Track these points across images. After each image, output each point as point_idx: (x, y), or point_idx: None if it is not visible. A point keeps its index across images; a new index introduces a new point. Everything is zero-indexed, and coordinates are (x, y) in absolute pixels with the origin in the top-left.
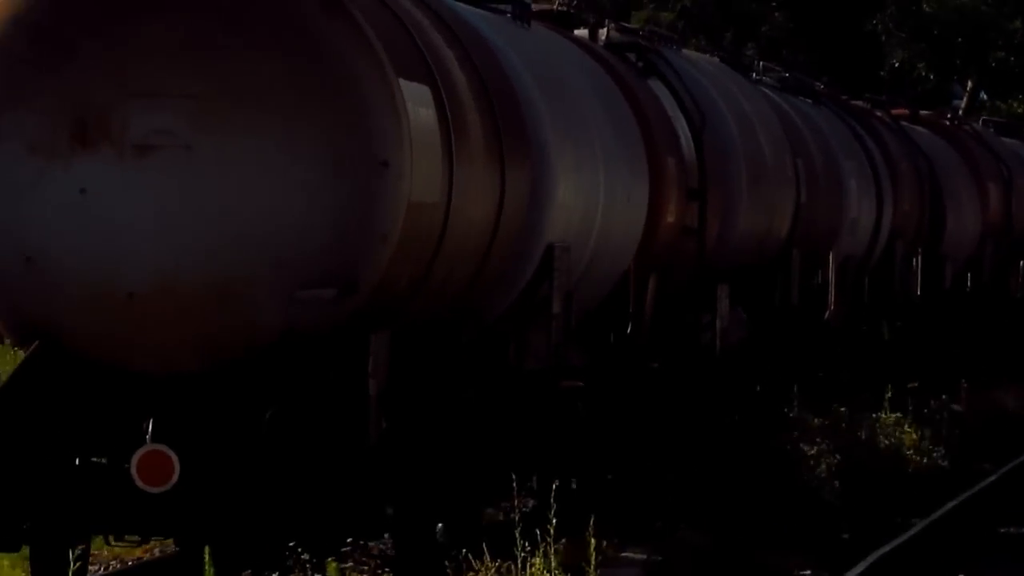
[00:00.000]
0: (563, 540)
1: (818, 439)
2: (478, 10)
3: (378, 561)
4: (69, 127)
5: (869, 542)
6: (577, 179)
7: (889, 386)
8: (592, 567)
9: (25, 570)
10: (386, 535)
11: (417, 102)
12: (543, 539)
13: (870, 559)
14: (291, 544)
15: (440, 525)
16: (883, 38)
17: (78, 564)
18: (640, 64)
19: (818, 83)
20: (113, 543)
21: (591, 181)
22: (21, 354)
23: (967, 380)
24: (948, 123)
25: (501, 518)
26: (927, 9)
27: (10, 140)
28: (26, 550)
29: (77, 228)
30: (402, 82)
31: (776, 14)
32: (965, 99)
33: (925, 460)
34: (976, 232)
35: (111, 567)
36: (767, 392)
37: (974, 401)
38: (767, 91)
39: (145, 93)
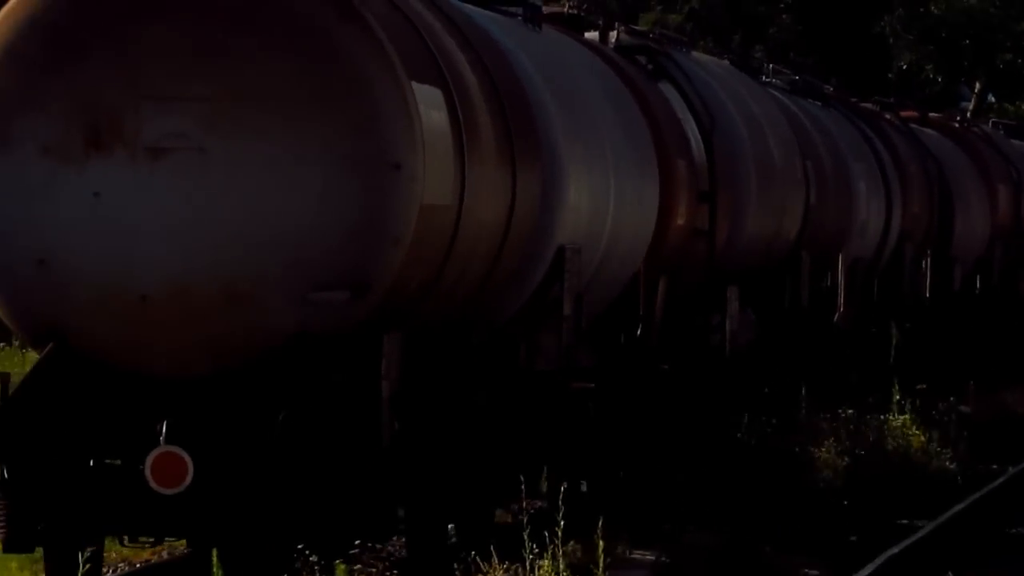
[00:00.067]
0: (571, 542)
1: (826, 441)
2: (489, 13)
3: (386, 563)
4: (82, 130)
5: (877, 544)
6: (588, 181)
7: (897, 388)
8: (600, 569)
9: (33, 572)
10: (394, 537)
11: (429, 105)
12: (551, 541)
13: (878, 561)
14: (299, 546)
15: (451, 526)
16: (891, 40)
17: (88, 567)
18: (650, 67)
19: (827, 86)
20: (127, 544)
21: (602, 183)
22: (29, 356)
23: (976, 382)
24: (957, 125)
25: (509, 520)
26: (935, 11)
27: (24, 143)
28: (35, 551)
29: (90, 231)
30: (414, 85)
31: (784, 16)
32: (973, 101)
33: (933, 462)
34: (985, 234)
35: (120, 569)
36: (776, 394)
37: (983, 403)
38: (776, 93)
39: (158, 96)
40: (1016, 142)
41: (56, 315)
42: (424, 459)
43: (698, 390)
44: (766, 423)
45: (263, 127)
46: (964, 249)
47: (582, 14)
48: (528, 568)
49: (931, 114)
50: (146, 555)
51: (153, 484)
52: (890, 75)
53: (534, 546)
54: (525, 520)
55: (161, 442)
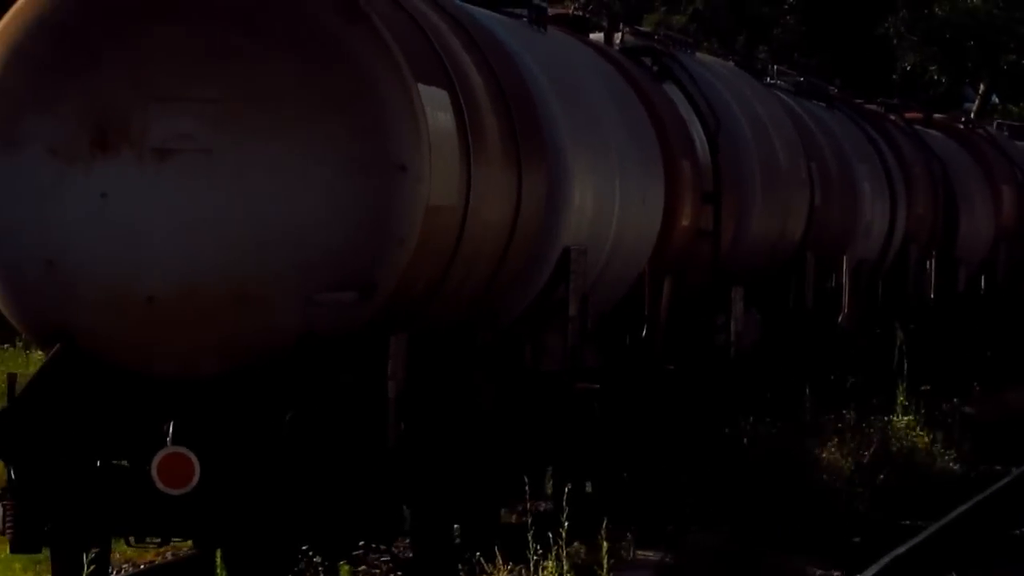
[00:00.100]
0: (575, 543)
1: (831, 442)
2: (495, 14)
3: (390, 564)
4: (90, 131)
5: (881, 545)
6: (593, 182)
7: (902, 389)
8: (604, 570)
9: (36, 572)
10: (398, 538)
11: (435, 106)
12: (555, 542)
13: (883, 561)
14: (303, 547)
15: (457, 527)
16: (895, 41)
17: (92, 568)
18: (655, 68)
19: (831, 87)
20: (133, 545)
21: (607, 184)
22: (33, 356)
23: (980, 383)
24: (962, 126)
25: (514, 520)
26: (939, 12)
27: (32, 144)
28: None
29: (97, 232)
30: (420, 86)
31: (788, 17)
32: (977, 102)
33: (937, 463)
34: (990, 235)
35: (124, 570)
36: (781, 394)
37: (987, 404)
38: (781, 95)
39: (165, 97)
40: (1020, 143)
41: (63, 316)
42: (430, 459)
43: (703, 391)
44: (771, 424)
45: (270, 128)
46: (968, 250)
47: (587, 15)
48: (532, 569)
49: (935, 115)
50: (150, 556)
51: (160, 485)
52: (894, 76)
53: (538, 547)
54: (529, 521)
55: (168, 443)
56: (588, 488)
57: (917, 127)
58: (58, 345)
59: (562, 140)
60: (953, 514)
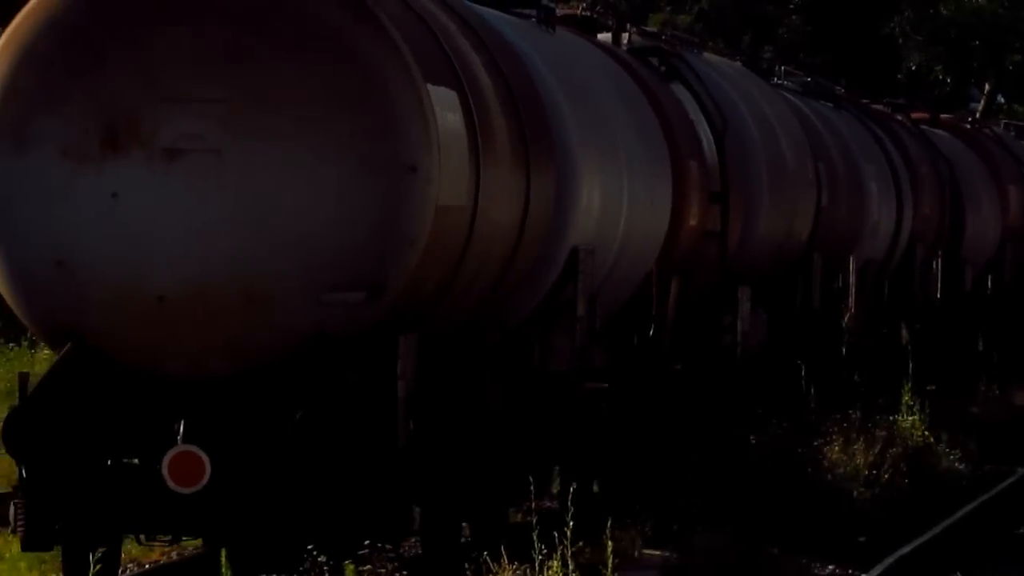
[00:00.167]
0: (580, 543)
1: (836, 441)
2: (503, 15)
3: (395, 564)
4: (100, 132)
5: (886, 544)
6: (601, 182)
7: (907, 389)
8: (609, 570)
9: (41, 572)
10: (407, 538)
11: (444, 107)
12: (560, 542)
13: (888, 560)
14: (309, 546)
15: (465, 526)
16: (900, 41)
17: (99, 567)
18: (663, 68)
19: (838, 87)
20: (144, 543)
21: (615, 184)
22: (39, 356)
23: (986, 383)
24: (968, 126)
25: (519, 519)
26: (944, 12)
27: (42, 144)
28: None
29: (108, 232)
30: (430, 87)
31: (793, 17)
32: (982, 102)
33: (943, 462)
34: (996, 235)
35: (130, 570)
36: (787, 394)
37: (993, 404)
38: (788, 95)
39: (175, 98)
40: None
41: (74, 315)
42: (439, 459)
43: (710, 390)
44: (777, 423)
45: (279, 129)
46: (975, 250)
47: (594, 16)
48: (537, 569)
49: (942, 115)
50: (155, 556)
51: (170, 483)
52: (899, 76)
53: (543, 547)
54: (534, 521)
55: (178, 441)
56: (595, 488)
57: (923, 127)
58: (69, 345)
59: (570, 140)
60: (959, 514)
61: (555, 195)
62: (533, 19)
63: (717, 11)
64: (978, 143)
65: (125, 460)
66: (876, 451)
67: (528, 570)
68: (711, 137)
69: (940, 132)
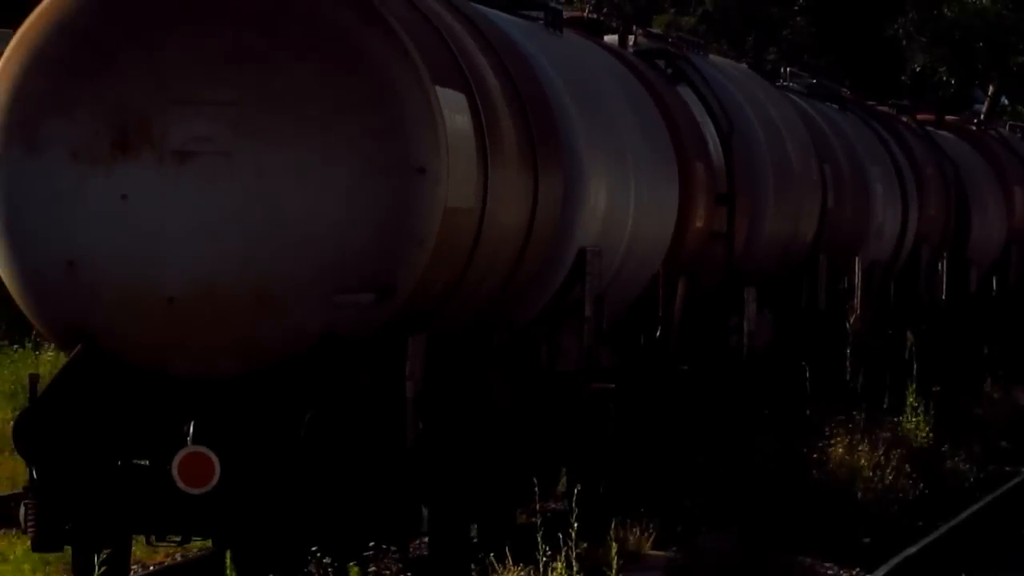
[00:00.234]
0: (585, 544)
1: (841, 442)
2: (511, 17)
3: (400, 565)
4: (110, 133)
5: (892, 545)
6: (608, 184)
7: (912, 389)
8: (613, 571)
9: (46, 574)
10: (415, 539)
11: (453, 109)
12: (565, 543)
13: (894, 561)
14: (313, 547)
15: (474, 526)
16: (904, 43)
17: (105, 569)
18: (669, 71)
19: (843, 89)
20: (153, 543)
21: (622, 186)
22: (43, 357)
23: (991, 384)
24: (974, 128)
25: (524, 520)
26: (948, 14)
27: (53, 147)
28: (43, 554)
29: (118, 233)
30: (438, 89)
31: (797, 19)
32: (986, 103)
33: (948, 463)
34: (1002, 236)
35: (134, 571)
36: (792, 394)
37: (998, 404)
38: (793, 97)
39: (185, 100)
40: None
41: (84, 316)
42: (447, 459)
43: (716, 391)
44: (782, 424)
45: (288, 131)
46: (980, 251)
47: (601, 18)
48: (542, 570)
49: (947, 117)
50: (160, 557)
51: (180, 484)
52: (903, 78)
53: (547, 548)
54: (539, 522)
55: (188, 442)
56: (600, 488)
57: (929, 129)
58: (79, 346)
59: (578, 142)
60: (964, 514)
61: (562, 196)
62: (540, 21)
63: (721, 13)
64: (983, 145)
65: (135, 461)
66: (881, 452)
67: (532, 571)
68: (717, 139)
69: (945, 134)
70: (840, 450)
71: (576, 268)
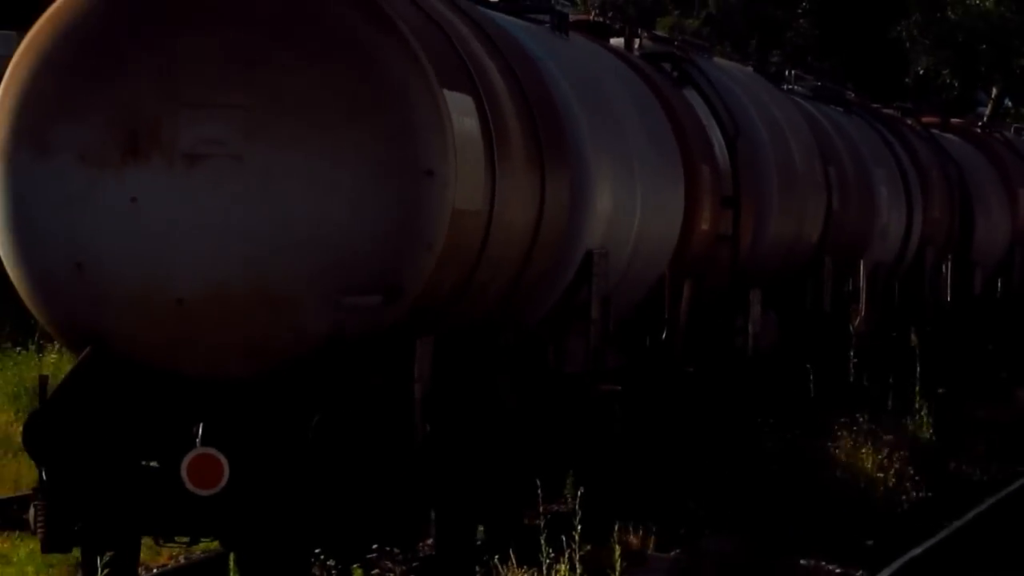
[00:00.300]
0: (588, 546)
1: (846, 443)
2: (518, 20)
3: (404, 568)
4: (120, 137)
5: (896, 547)
6: (615, 186)
7: (917, 391)
8: (616, 573)
9: None
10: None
11: (461, 112)
12: (568, 545)
13: (897, 564)
14: (316, 550)
15: (481, 528)
16: (908, 45)
17: (107, 572)
18: (675, 74)
19: (847, 91)
20: (162, 544)
21: (628, 188)
22: (46, 360)
23: (996, 385)
24: (979, 130)
25: (527, 522)
26: (952, 16)
27: (63, 150)
28: (46, 556)
29: (128, 236)
30: (446, 93)
31: (801, 21)
32: (990, 106)
33: (952, 465)
34: (1006, 238)
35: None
36: (798, 396)
37: (1002, 406)
38: (798, 99)
39: (195, 103)
40: None
41: (94, 319)
42: (455, 460)
43: (722, 392)
44: (787, 425)
45: (298, 134)
46: (985, 253)
47: (608, 21)
48: (545, 572)
49: (952, 120)
50: (163, 559)
51: (189, 485)
52: (907, 80)
53: (551, 550)
54: (542, 524)
55: (197, 444)
56: (606, 490)
57: (934, 131)
58: (88, 348)
59: (584, 145)
60: (968, 516)
61: (569, 199)
62: (547, 25)
63: (725, 15)
64: (988, 147)
65: (144, 462)
66: (885, 453)
67: (536, 573)
68: (723, 142)
69: (950, 136)
70: (844, 452)
71: (583, 270)
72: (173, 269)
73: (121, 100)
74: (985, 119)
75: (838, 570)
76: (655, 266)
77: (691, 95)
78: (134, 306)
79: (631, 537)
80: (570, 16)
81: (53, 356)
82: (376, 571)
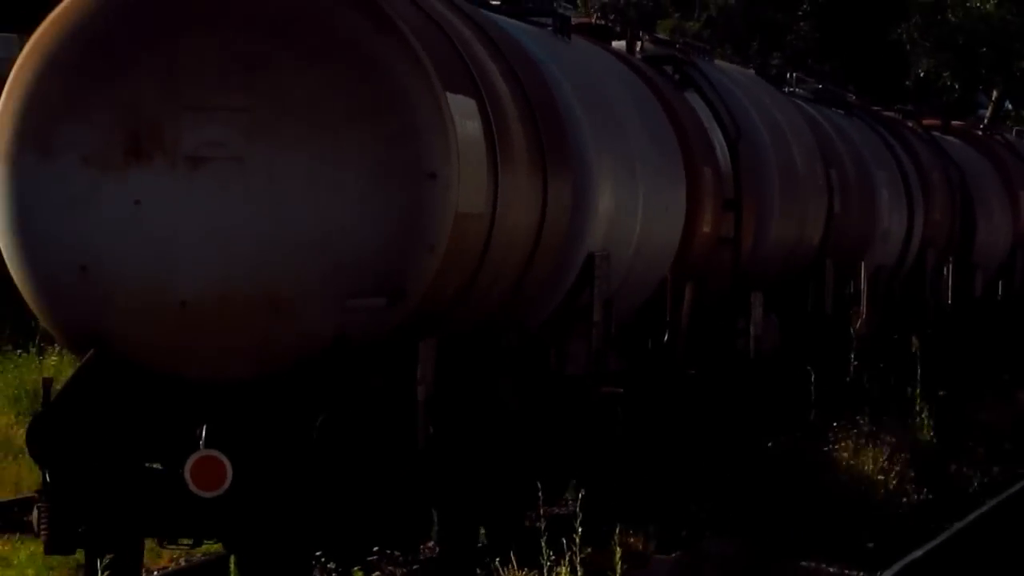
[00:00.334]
0: (589, 549)
1: (847, 446)
2: (520, 23)
3: (404, 570)
4: (123, 139)
5: (896, 549)
6: (617, 189)
7: (918, 394)
8: (617, 575)
9: None
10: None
11: (463, 115)
12: (569, 547)
13: (897, 566)
14: (317, 552)
15: (482, 529)
16: (908, 47)
17: (107, 574)
18: (677, 76)
19: (849, 94)
20: (166, 546)
21: (630, 191)
22: (46, 363)
23: (997, 388)
24: (980, 133)
25: (529, 524)
26: (952, 19)
27: (66, 152)
28: (47, 559)
29: (131, 238)
30: (449, 95)
31: (801, 24)
32: (990, 108)
33: (953, 467)
34: (1008, 241)
35: None
36: (799, 399)
37: (1003, 409)
38: (800, 102)
39: (198, 106)
40: None
41: (97, 321)
42: (457, 462)
43: (724, 395)
44: (788, 428)
45: (301, 137)
46: (986, 256)
47: (609, 24)
48: (546, 574)
49: (953, 122)
50: (163, 562)
51: (193, 487)
52: (907, 82)
53: (551, 553)
54: (543, 526)
55: (201, 446)
56: (607, 492)
57: (935, 134)
58: (92, 350)
59: (587, 147)
60: (969, 518)
61: (571, 201)
62: (549, 28)
63: (725, 18)
64: (990, 150)
65: (148, 464)
66: (885, 456)
67: (537, 575)
68: (724, 144)
69: (951, 139)
70: (845, 454)
71: (585, 272)
72: (176, 272)
73: (124, 102)
74: (985, 122)
75: (839, 572)
76: (657, 268)
77: (693, 98)
78: (137, 308)
79: (632, 539)
80: (572, 19)
81: (53, 359)
82: (377, 574)
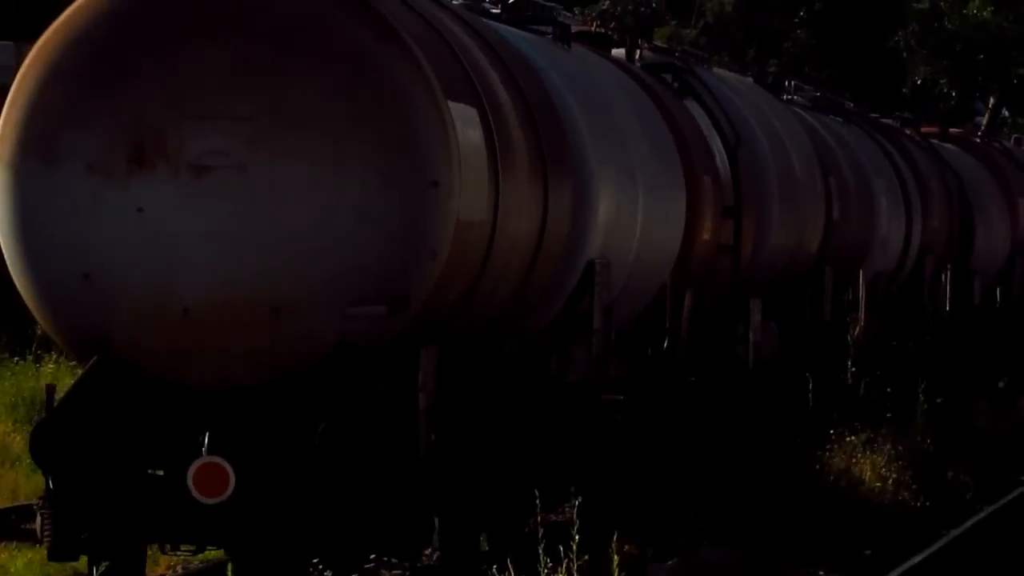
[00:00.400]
0: (586, 556)
1: (845, 452)
2: (521, 32)
3: (401, 575)
4: (127, 147)
5: (893, 556)
6: (617, 196)
7: (917, 401)
8: None
9: None
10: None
11: (465, 123)
12: (566, 554)
13: (894, 573)
14: (314, 560)
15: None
16: (905, 55)
17: None
18: (676, 84)
19: (848, 102)
20: (168, 552)
21: (630, 199)
22: (43, 370)
23: (995, 395)
24: (978, 140)
25: (527, 530)
26: (949, 26)
27: (69, 161)
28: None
29: (134, 246)
30: (451, 104)
31: (799, 31)
32: (987, 116)
33: (951, 474)
34: (1006, 248)
35: None
36: (798, 405)
37: (1002, 416)
38: (798, 110)
39: (201, 115)
40: None
41: (100, 328)
42: (459, 469)
43: (723, 401)
44: (787, 434)
45: (303, 145)
46: (984, 263)
47: (609, 32)
48: None
49: (951, 130)
50: (160, 569)
51: (195, 494)
52: (904, 90)
53: (548, 560)
54: (541, 533)
55: (203, 452)
56: (606, 499)
57: (933, 141)
58: (95, 357)
59: (587, 155)
60: (967, 524)
61: (572, 209)
62: (549, 36)
63: (722, 25)
64: (988, 157)
65: (150, 471)
66: (884, 462)
67: None
68: (724, 152)
69: (949, 146)
70: (843, 461)
71: (585, 279)
72: (179, 279)
73: (127, 111)
74: (983, 129)
75: None
76: (657, 275)
77: (692, 105)
78: (140, 315)
79: (629, 546)
80: (572, 27)
81: (51, 366)
82: None
